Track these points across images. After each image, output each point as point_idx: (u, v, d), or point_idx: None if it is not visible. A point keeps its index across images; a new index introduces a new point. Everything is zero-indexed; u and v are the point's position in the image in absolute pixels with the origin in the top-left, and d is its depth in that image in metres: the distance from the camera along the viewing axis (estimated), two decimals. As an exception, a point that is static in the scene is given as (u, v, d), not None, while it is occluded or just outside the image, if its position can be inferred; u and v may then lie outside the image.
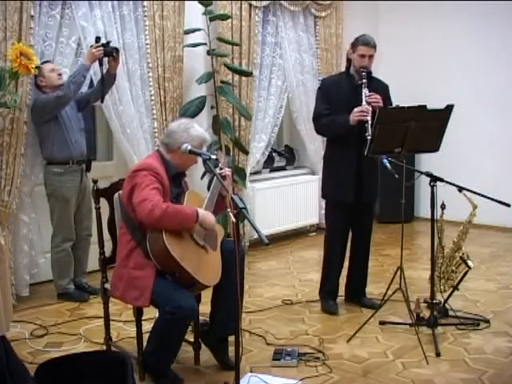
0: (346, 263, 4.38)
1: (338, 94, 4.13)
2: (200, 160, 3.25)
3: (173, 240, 2.97)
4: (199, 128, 3.24)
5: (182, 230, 3.04)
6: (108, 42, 4.43)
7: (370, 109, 3.92)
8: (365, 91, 4.00)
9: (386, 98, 4.14)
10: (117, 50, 4.43)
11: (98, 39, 4.39)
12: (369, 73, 4.09)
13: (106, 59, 4.44)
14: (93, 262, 4.49)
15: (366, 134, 3.88)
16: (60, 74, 4.39)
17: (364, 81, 4.02)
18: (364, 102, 3.96)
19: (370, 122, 3.89)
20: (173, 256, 2.93)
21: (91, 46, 4.37)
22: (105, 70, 4.47)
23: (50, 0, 4.48)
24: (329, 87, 4.20)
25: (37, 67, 4.14)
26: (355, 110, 3.95)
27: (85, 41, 4.64)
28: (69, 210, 4.48)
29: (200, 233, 3.10)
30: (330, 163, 4.25)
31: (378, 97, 4.00)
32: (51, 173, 4.41)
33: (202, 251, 3.12)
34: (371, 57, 4.10)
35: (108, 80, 4.50)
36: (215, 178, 3.16)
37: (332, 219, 4.28)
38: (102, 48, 4.34)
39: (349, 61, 4.21)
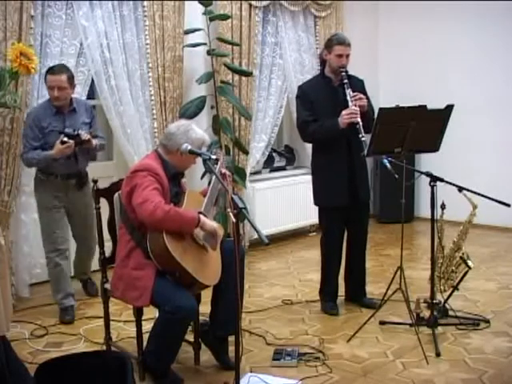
0: (343, 262, 4.37)
1: (318, 98, 4.08)
2: (200, 160, 3.26)
3: (173, 240, 2.97)
4: (198, 130, 3.25)
5: (181, 233, 3.04)
6: (78, 134, 3.99)
7: (358, 109, 3.90)
8: (349, 91, 3.96)
9: (364, 93, 4.11)
10: (88, 139, 4.06)
11: (63, 135, 3.97)
12: (346, 71, 4.05)
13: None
14: (93, 261, 4.49)
15: (360, 136, 3.86)
16: (57, 97, 4.04)
17: (346, 81, 3.98)
18: (350, 103, 3.93)
19: (361, 123, 3.88)
20: (173, 256, 2.93)
21: (60, 142, 3.97)
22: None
23: (51, 0, 4.48)
24: (307, 93, 4.14)
25: (47, 71, 4.07)
26: (343, 112, 3.91)
27: (86, 40, 4.65)
28: (50, 219, 4.20)
29: (200, 232, 3.10)
30: (321, 169, 4.20)
31: (363, 96, 3.98)
32: (37, 178, 4.23)
33: (202, 251, 3.12)
34: (348, 56, 4.05)
35: (92, 153, 4.30)
36: (214, 177, 3.17)
37: (328, 222, 4.25)
38: (71, 143, 3.96)
39: (323, 62, 4.17)
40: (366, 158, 4.03)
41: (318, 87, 4.15)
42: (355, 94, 3.96)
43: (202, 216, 3.05)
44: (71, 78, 4.11)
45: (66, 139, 3.96)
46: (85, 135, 4.05)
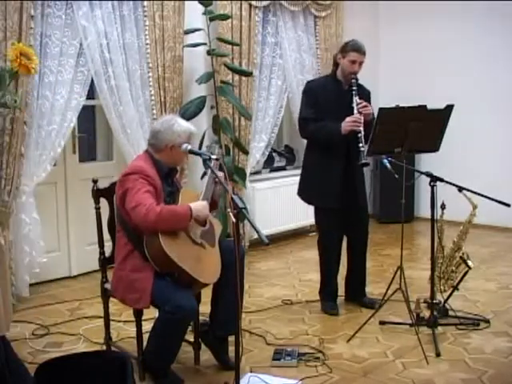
0: (344, 262, 4.37)
1: (324, 98, 4.07)
2: (200, 162, 3.25)
3: (169, 241, 2.96)
4: (183, 122, 3.20)
5: (178, 230, 3.03)
6: None
7: (362, 118, 3.90)
8: (356, 99, 3.95)
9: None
10: None
11: None
12: (356, 79, 4.03)
13: None
14: (93, 261, 4.48)
15: (360, 146, 3.84)
16: None
17: (354, 88, 3.96)
18: (356, 111, 3.92)
19: (362, 133, 3.86)
20: (170, 257, 2.92)
21: None
22: None
23: (51, 0, 4.48)
24: (315, 90, 4.12)
25: None
26: (347, 119, 3.90)
27: (85, 40, 4.64)
28: None
29: (197, 230, 3.10)
30: (314, 169, 4.17)
31: (369, 105, 3.98)
32: None
33: (200, 249, 3.11)
34: (361, 63, 4.03)
35: None
36: (209, 174, 3.15)
37: (324, 223, 4.24)
38: None
39: (336, 64, 4.15)
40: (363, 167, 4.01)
41: (326, 87, 4.13)
42: (361, 101, 3.95)
43: (192, 205, 3.01)
44: None
45: None
46: None
